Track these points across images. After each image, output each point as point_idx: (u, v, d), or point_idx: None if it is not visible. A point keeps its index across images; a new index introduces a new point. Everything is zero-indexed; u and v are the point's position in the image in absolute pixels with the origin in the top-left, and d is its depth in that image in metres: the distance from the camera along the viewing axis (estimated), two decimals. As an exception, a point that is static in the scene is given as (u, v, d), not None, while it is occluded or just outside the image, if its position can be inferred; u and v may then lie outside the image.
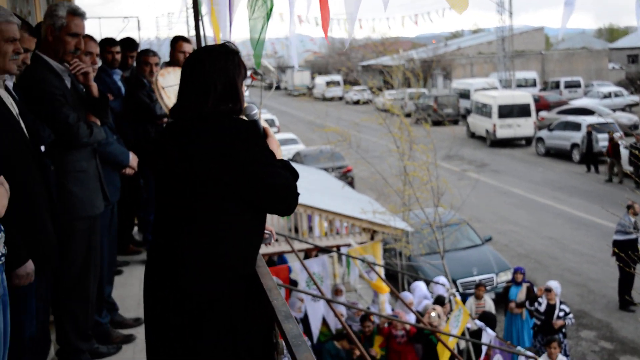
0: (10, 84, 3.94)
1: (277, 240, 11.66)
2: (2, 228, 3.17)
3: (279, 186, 2.94)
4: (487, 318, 11.56)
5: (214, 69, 3.02)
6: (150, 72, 6.80)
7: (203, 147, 2.92)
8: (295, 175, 3.07)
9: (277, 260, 13.50)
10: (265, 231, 3.53)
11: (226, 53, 3.08)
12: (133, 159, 5.75)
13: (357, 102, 47.36)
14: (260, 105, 10.02)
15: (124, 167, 5.74)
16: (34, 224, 3.69)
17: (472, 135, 36.40)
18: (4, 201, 3.06)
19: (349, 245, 12.83)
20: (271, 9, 4.67)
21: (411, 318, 10.95)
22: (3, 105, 3.60)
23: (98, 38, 6.90)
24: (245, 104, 3.27)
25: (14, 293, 3.46)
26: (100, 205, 4.72)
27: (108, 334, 5.24)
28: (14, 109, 3.69)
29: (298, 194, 3.02)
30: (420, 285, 12.64)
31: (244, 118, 3.15)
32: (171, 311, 2.98)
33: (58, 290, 4.52)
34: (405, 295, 11.63)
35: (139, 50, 7.43)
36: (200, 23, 7.08)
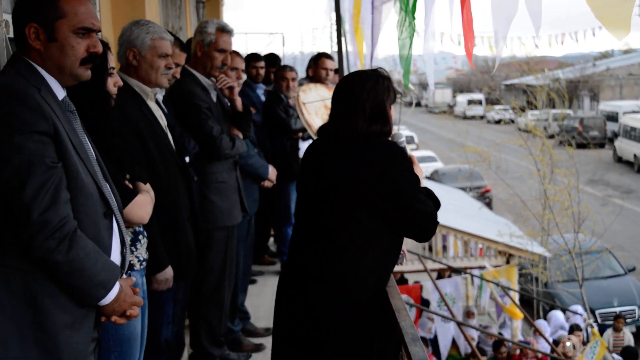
0: (160, 97, 4.13)
1: (407, 260, 11.59)
2: (146, 234, 3.32)
3: (422, 213, 2.96)
4: (628, 353, 10.98)
5: (363, 92, 3.07)
6: (287, 87, 6.94)
7: (352, 167, 2.98)
8: (437, 205, 3.08)
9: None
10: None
11: (376, 77, 3.12)
12: (272, 173, 5.87)
13: (498, 122, 46.46)
14: (399, 123, 10.05)
15: (263, 180, 5.88)
16: (176, 232, 3.83)
17: (619, 159, 34.76)
18: (149, 208, 3.20)
19: (483, 267, 12.57)
20: (414, 29, 4.66)
21: (545, 347, 10.58)
22: (152, 117, 3.78)
23: (244, 53, 7.15)
24: (393, 132, 3.32)
25: (153, 297, 3.61)
26: (239, 216, 4.85)
27: (239, 342, 5.37)
28: (162, 122, 3.86)
29: (436, 225, 3.04)
30: (557, 315, 12.19)
31: None
32: (302, 326, 3.03)
33: (194, 296, 4.68)
34: (540, 322, 11.25)
35: (280, 65, 7.61)
36: (343, 40, 7.18)
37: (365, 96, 3.06)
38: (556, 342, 10.52)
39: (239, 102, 4.88)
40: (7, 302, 2.24)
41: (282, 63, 8.08)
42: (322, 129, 3.20)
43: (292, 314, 3.08)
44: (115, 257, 2.52)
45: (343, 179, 2.98)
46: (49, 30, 2.35)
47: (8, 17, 2.74)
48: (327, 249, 2.99)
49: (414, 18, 4.53)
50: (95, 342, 2.52)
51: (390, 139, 3.18)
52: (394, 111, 3.36)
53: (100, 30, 2.49)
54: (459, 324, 8.52)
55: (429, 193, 3.10)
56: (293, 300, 3.07)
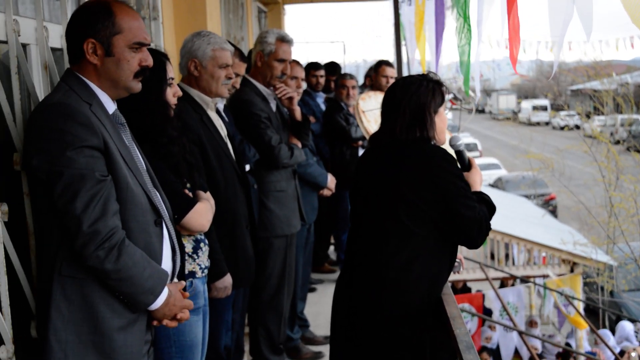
0: (221, 106, 4.20)
1: (465, 268, 11.48)
2: (207, 242, 3.38)
3: (468, 219, 2.95)
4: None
5: (404, 96, 3.09)
6: (347, 95, 6.97)
7: (393, 173, 3.00)
8: (491, 209, 3.07)
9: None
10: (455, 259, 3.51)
11: (420, 81, 3.13)
12: (331, 181, 5.90)
13: (564, 128, 45.59)
14: (458, 130, 9.96)
15: (322, 188, 5.91)
16: (235, 240, 3.88)
17: (691, 167, 33.79)
18: (209, 216, 3.25)
19: (546, 276, 12.36)
20: (471, 35, 4.64)
21: (609, 357, 10.32)
22: (213, 127, 3.84)
23: (306, 61, 7.21)
24: (452, 135, 3.33)
25: (213, 304, 3.67)
26: (297, 225, 4.88)
27: (298, 350, 5.40)
28: (223, 131, 3.92)
29: (487, 229, 3.02)
30: (624, 325, 11.87)
31: (446, 147, 3.18)
32: (356, 333, 3.06)
33: (254, 304, 4.74)
34: (604, 333, 10.99)
35: (340, 73, 7.64)
36: (403, 48, 7.17)
37: (406, 101, 3.07)
38: (621, 353, 10.25)
39: (297, 111, 4.93)
40: (65, 309, 2.34)
41: (344, 71, 8.11)
42: (372, 136, 3.25)
43: (348, 320, 3.11)
44: (167, 263, 2.60)
45: (387, 185, 3.01)
46: (106, 45, 2.43)
47: (47, 25, 2.84)
48: (376, 255, 3.02)
49: (469, 25, 4.53)
50: (148, 344, 2.60)
51: (448, 141, 3.21)
52: (447, 116, 3.36)
53: (150, 45, 2.56)
54: (521, 333, 8.39)
55: (481, 198, 3.08)
56: (348, 307, 3.10)
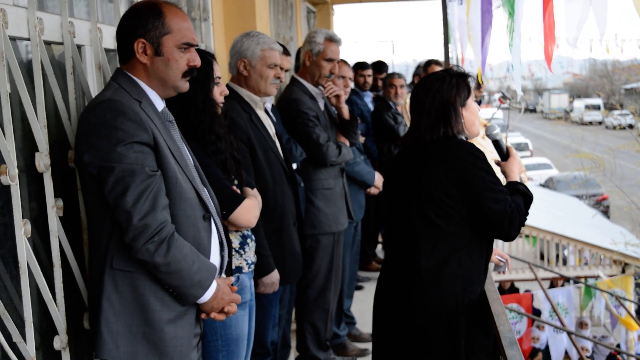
0: (269, 105, 4.26)
1: (511, 269, 11.37)
2: (254, 237, 3.44)
3: (495, 212, 2.92)
4: None
5: (427, 95, 3.07)
6: (395, 94, 6.99)
7: (419, 171, 3.01)
8: (527, 199, 3.04)
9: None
10: (501, 259, 3.51)
11: (443, 77, 3.10)
12: (378, 179, 5.92)
13: (616, 127, 44.76)
14: (507, 129, 9.87)
15: (369, 187, 5.93)
16: (282, 236, 3.93)
17: None
18: (256, 212, 3.31)
19: (597, 277, 12.18)
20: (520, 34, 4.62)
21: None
22: (261, 125, 3.90)
23: (354, 61, 7.24)
24: (488, 124, 3.31)
25: (260, 300, 3.73)
26: (345, 222, 4.92)
27: (345, 347, 5.44)
28: (271, 130, 3.98)
29: (521, 221, 2.97)
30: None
31: (483, 138, 3.19)
32: (398, 328, 3.08)
33: (301, 300, 4.80)
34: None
35: (388, 72, 7.66)
36: (452, 47, 7.15)
37: (430, 100, 3.05)
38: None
39: (345, 110, 4.96)
40: (116, 301, 2.40)
41: (392, 71, 8.12)
42: (402, 138, 3.25)
43: (387, 318, 3.14)
44: (215, 257, 2.65)
45: (414, 185, 3.01)
46: (156, 45, 2.50)
47: (101, 26, 2.93)
48: (409, 256, 3.03)
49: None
50: (197, 337, 2.66)
51: (485, 130, 3.20)
52: (498, 114, 3.35)
53: (198, 45, 2.62)
54: (569, 334, 8.29)
55: (516, 189, 3.05)
56: (385, 306, 3.13)
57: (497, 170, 3.20)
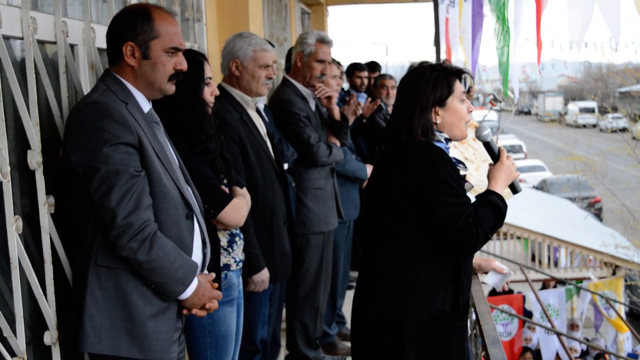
0: (261, 106, 4.30)
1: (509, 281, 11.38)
2: (242, 236, 3.48)
3: (445, 225, 2.74)
4: None
5: (401, 89, 2.95)
6: (387, 95, 7.02)
7: (384, 175, 2.92)
8: (498, 213, 2.83)
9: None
10: (504, 268, 3.41)
11: (422, 73, 2.91)
12: (370, 172, 5.90)
13: (614, 131, 44.79)
14: (497, 131, 9.94)
15: (363, 182, 5.94)
16: (272, 235, 3.97)
17: None
18: (245, 211, 3.35)
19: (588, 278, 12.26)
20: (509, 37, 4.68)
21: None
22: (253, 125, 3.94)
23: (348, 62, 7.28)
24: (478, 125, 3.17)
25: (250, 298, 3.77)
26: (334, 222, 4.96)
27: (334, 345, 5.47)
28: (262, 129, 4.02)
29: (477, 237, 2.75)
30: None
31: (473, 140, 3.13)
32: (354, 335, 3.03)
33: (291, 299, 4.84)
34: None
35: (380, 72, 7.70)
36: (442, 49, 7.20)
37: (405, 95, 2.90)
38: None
39: (336, 110, 5.00)
40: (100, 297, 2.46)
41: (387, 72, 8.16)
42: (382, 134, 3.08)
43: (353, 320, 3.07)
44: (197, 255, 2.71)
45: (378, 189, 2.93)
46: (144, 49, 2.56)
47: (94, 26, 2.97)
48: (371, 258, 2.94)
49: (508, 26, 4.58)
50: (179, 331, 2.72)
51: (475, 131, 3.04)
52: (491, 115, 3.27)
53: (184, 49, 2.67)
54: (559, 335, 8.35)
55: (485, 201, 2.84)
56: (357, 309, 3.04)
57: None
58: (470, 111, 3.00)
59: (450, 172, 2.80)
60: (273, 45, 4.50)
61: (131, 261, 2.43)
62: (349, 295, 6.63)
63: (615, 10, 2.96)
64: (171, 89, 2.65)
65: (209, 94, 3.26)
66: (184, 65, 2.64)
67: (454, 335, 2.89)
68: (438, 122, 2.90)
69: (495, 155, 3.03)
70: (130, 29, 2.55)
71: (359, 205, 5.94)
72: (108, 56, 2.64)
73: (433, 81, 2.87)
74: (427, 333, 2.83)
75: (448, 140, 2.96)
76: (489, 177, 2.99)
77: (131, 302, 2.48)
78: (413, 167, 2.80)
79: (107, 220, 2.40)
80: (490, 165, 3.06)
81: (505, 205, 2.88)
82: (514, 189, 3.06)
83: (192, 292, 2.60)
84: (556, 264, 13.24)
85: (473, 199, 2.91)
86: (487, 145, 3.04)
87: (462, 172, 2.94)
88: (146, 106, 2.64)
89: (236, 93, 3.94)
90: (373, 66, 7.98)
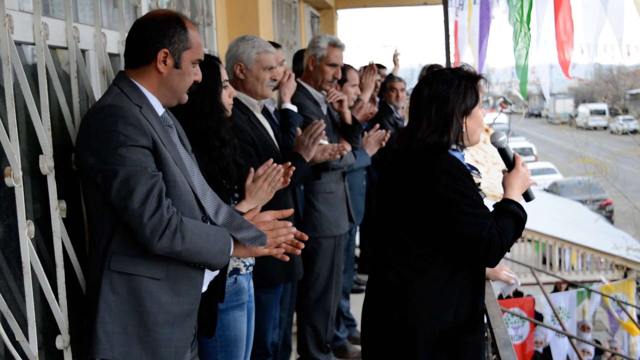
0: (272, 108, 4.30)
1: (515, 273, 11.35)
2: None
3: (469, 237, 2.70)
4: None
5: (431, 95, 2.83)
6: (397, 97, 7.02)
7: (397, 186, 2.85)
8: (519, 221, 2.80)
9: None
10: (510, 275, 3.44)
11: (451, 79, 2.83)
12: (370, 152, 5.84)
13: (625, 133, 44.62)
14: (508, 134, 9.91)
15: (369, 165, 5.90)
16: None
17: None
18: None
19: (599, 281, 12.21)
20: (529, 39, 4.65)
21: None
22: (262, 127, 3.94)
23: (359, 66, 7.26)
24: (493, 131, 3.12)
25: (260, 301, 3.77)
26: (346, 226, 4.96)
27: (345, 349, 5.48)
28: (270, 132, 4.02)
29: (501, 247, 2.72)
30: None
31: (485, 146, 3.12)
32: (367, 342, 3.00)
33: (302, 303, 4.83)
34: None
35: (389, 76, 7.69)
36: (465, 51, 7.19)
37: (435, 103, 2.80)
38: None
39: (348, 114, 5.00)
40: (113, 303, 2.45)
41: (397, 75, 8.15)
42: (397, 137, 2.98)
43: (363, 329, 3.05)
44: None
45: (389, 199, 2.87)
46: (177, 57, 2.56)
47: (105, 31, 2.98)
48: (381, 268, 2.89)
49: (529, 28, 4.54)
50: (193, 336, 2.69)
51: (490, 137, 2.99)
52: (501, 118, 3.22)
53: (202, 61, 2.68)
54: (570, 338, 8.32)
55: (504, 210, 2.80)
56: (367, 320, 3.01)
57: (500, 180, 3.05)
58: (484, 115, 2.98)
59: (468, 184, 2.76)
60: (278, 46, 4.50)
61: (171, 254, 2.43)
62: (359, 298, 6.62)
63: (618, 12, 2.95)
64: (186, 98, 2.66)
65: (227, 96, 3.27)
66: (199, 76, 2.66)
67: (467, 350, 2.83)
68: (464, 130, 2.85)
69: (510, 162, 2.98)
70: (167, 36, 2.53)
71: (363, 212, 5.94)
72: (128, 59, 2.61)
73: (464, 90, 2.81)
74: (438, 347, 2.79)
75: (463, 147, 2.91)
76: (504, 184, 2.95)
77: (144, 309, 2.47)
78: (428, 181, 2.75)
79: (134, 223, 2.38)
80: (504, 172, 3.01)
81: (525, 215, 2.84)
82: (527, 196, 3.01)
83: (232, 253, 2.60)
84: (566, 267, 13.20)
85: (490, 207, 2.87)
86: (503, 152, 3.00)
87: (476, 180, 2.91)
88: (160, 110, 2.63)
89: (242, 96, 3.92)
90: (380, 68, 7.96)
